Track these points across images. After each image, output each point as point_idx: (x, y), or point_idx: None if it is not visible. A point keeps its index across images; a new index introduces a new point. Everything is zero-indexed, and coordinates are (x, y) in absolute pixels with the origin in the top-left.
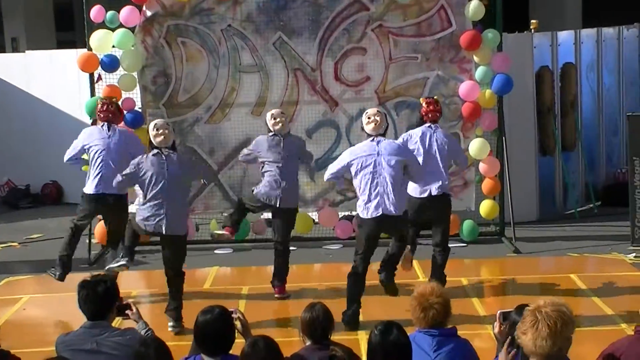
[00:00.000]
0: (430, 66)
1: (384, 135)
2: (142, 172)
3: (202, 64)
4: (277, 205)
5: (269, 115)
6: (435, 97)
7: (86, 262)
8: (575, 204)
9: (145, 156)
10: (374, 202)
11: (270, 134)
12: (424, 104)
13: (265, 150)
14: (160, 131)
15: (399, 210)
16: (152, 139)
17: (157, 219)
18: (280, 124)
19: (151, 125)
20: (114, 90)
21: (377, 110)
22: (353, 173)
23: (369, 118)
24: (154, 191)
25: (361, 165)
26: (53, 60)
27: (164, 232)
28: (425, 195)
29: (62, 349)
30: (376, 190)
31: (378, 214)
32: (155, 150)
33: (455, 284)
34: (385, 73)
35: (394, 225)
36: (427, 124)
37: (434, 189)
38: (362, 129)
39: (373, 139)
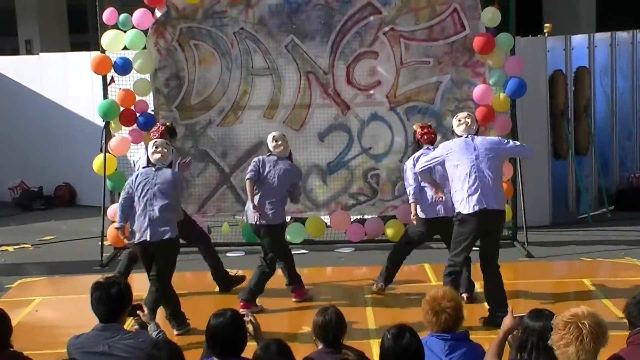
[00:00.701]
0: (443, 70)
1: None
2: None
3: (215, 67)
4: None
5: (270, 136)
6: (429, 124)
7: (98, 264)
8: (588, 209)
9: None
10: (475, 196)
11: (268, 154)
12: (418, 129)
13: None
14: (159, 149)
15: (499, 205)
16: (149, 155)
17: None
18: (281, 147)
19: (150, 144)
20: (128, 94)
21: (468, 114)
22: (450, 169)
23: (459, 120)
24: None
25: (458, 160)
26: (66, 63)
27: (148, 239)
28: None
29: (73, 351)
30: (475, 185)
31: (480, 208)
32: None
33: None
34: (396, 77)
35: (495, 220)
36: (425, 147)
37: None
38: (453, 132)
39: (467, 136)
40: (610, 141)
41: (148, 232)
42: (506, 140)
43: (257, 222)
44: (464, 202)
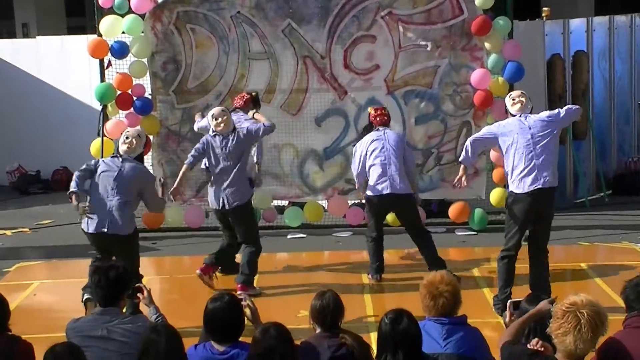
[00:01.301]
0: (441, 54)
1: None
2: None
3: (212, 51)
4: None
5: (209, 115)
6: (384, 107)
7: None
8: (586, 193)
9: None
10: (531, 176)
11: (212, 133)
12: (371, 112)
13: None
14: (129, 139)
15: (551, 183)
16: (120, 145)
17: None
18: (222, 124)
19: (124, 131)
20: (124, 77)
21: (522, 92)
22: (504, 148)
23: (513, 100)
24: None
25: (513, 140)
26: (63, 46)
27: (106, 231)
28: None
29: (72, 335)
30: (530, 165)
31: (536, 188)
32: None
33: (465, 272)
34: (395, 61)
35: (548, 198)
36: (376, 128)
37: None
38: (506, 111)
39: (520, 116)
40: (609, 126)
41: (107, 224)
42: (557, 111)
43: (222, 208)
44: (518, 182)
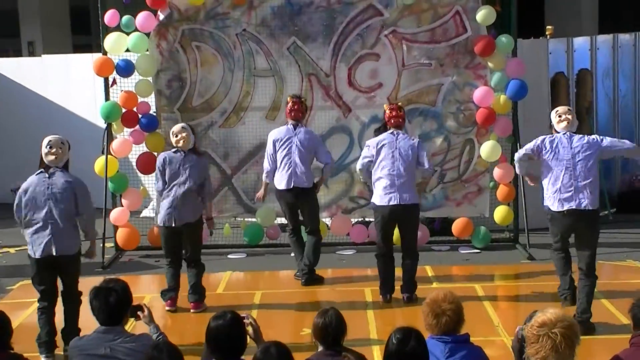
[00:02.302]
0: (444, 72)
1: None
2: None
3: (217, 68)
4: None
5: (171, 132)
6: (399, 103)
7: (100, 266)
8: None
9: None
10: (567, 195)
11: (173, 149)
12: (387, 110)
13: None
14: (54, 149)
15: (592, 204)
16: (43, 156)
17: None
18: (182, 141)
19: (45, 141)
20: (130, 95)
21: (568, 109)
22: (545, 163)
23: (559, 117)
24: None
25: (554, 157)
26: (69, 64)
27: (54, 253)
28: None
29: (76, 354)
30: (568, 184)
31: (571, 208)
32: (39, 170)
33: (469, 290)
34: (398, 79)
35: (586, 219)
36: (390, 130)
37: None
38: (551, 126)
39: (566, 133)
40: None
41: (53, 247)
42: (602, 138)
43: (175, 224)
44: (554, 200)
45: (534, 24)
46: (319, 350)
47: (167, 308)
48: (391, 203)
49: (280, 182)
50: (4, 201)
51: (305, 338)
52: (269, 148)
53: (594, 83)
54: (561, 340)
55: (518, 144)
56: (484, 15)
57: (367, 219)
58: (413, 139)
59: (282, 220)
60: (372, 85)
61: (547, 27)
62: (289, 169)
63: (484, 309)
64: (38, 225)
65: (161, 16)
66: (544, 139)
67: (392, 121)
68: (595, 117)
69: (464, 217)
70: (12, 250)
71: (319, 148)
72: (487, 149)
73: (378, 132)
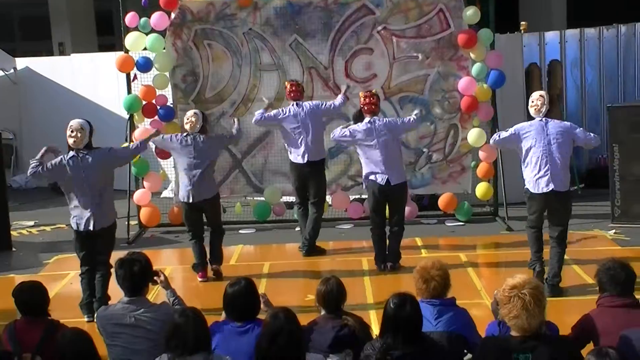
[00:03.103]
0: (430, 64)
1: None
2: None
3: (227, 64)
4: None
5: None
6: (374, 90)
7: (125, 241)
8: None
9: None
10: (545, 178)
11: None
12: (361, 97)
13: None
14: (74, 133)
15: (565, 186)
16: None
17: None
18: (189, 124)
19: (68, 125)
20: (149, 89)
21: (540, 95)
22: (524, 148)
23: (531, 102)
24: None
25: (532, 142)
26: (95, 62)
27: (91, 229)
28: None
29: (104, 322)
30: (546, 167)
31: (549, 190)
32: (71, 153)
33: (454, 258)
34: (390, 71)
35: (561, 199)
36: (367, 120)
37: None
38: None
39: (541, 120)
40: (581, 126)
41: (91, 223)
42: (576, 127)
43: (194, 201)
44: (533, 182)
45: (509, 20)
46: (322, 314)
47: (200, 279)
48: (382, 183)
49: (296, 156)
50: (40, 185)
51: (309, 303)
52: (277, 112)
53: (563, 73)
54: (530, 299)
55: (497, 128)
56: (470, 15)
57: (363, 197)
58: (389, 118)
59: (287, 198)
60: (367, 76)
61: (522, 22)
62: (304, 143)
63: (468, 275)
64: (77, 203)
65: (172, 16)
66: (519, 130)
67: (366, 108)
68: (565, 103)
69: (448, 193)
70: (47, 228)
71: (323, 104)
72: (474, 135)
73: (356, 118)
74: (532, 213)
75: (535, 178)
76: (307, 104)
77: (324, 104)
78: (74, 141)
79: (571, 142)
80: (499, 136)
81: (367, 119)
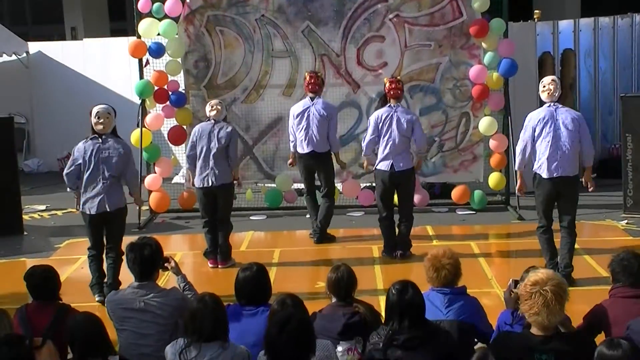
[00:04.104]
0: (442, 52)
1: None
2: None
3: (239, 50)
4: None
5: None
6: (398, 77)
7: (136, 226)
8: None
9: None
10: (554, 164)
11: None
12: (387, 83)
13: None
14: (101, 120)
15: (573, 171)
16: (93, 125)
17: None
18: (214, 111)
19: (93, 111)
20: (161, 75)
21: (552, 79)
22: (536, 134)
23: (543, 86)
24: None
25: (541, 127)
26: (107, 47)
27: (107, 209)
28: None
29: (114, 307)
30: (556, 153)
31: (557, 175)
32: (92, 136)
33: (465, 247)
34: (401, 59)
35: (569, 184)
36: (389, 104)
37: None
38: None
39: (550, 105)
40: (594, 116)
41: (106, 205)
42: (585, 123)
43: (211, 185)
44: (543, 167)
45: (522, 9)
46: (333, 301)
47: (211, 265)
48: (385, 169)
49: (300, 147)
50: (51, 169)
51: (319, 290)
52: (290, 121)
53: (577, 62)
54: (552, 297)
55: (509, 117)
56: (479, 2)
57: (374, 184)
58: (410, 115)
59: (298, 185)
60: (378, 64)
61: (535, 11)
62: (307, 135)
63: (479, 264)
64: (93, 185)
65: (189, 3)
66: (533, 127)
67: (392, 92)
68: (578, 93)
69: (461, 184)
70: (59, 212)
71: (332, 119)
72: (485, 123)
73: (380, 103)
74: (541, 201)
75: (544, 163)
76: (319, 106)
77: (331, 123)
78: (102, 127)
79: (577, 133)
80: (520, 153)
81: (389, 104)
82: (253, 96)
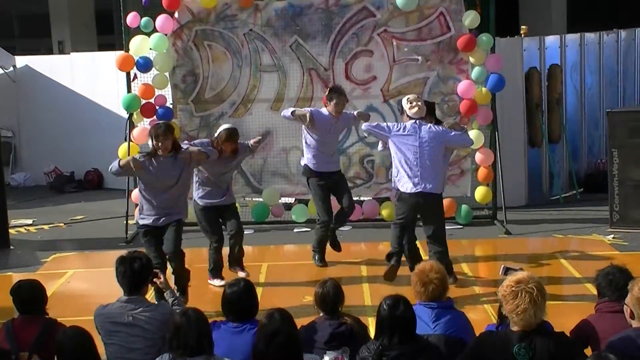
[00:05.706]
0: (430, 67)
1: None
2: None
3: (227, 64)
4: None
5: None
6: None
7: (123, 240)
8: (560, 191)
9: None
10: (415, 179)
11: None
12: (407, 103)
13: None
14: (161, 138)
15: (437, 189)
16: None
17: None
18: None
19: (151, 131)
20: (148, 88)
21: (417, 97)
22: (395, 148)
23: (411, 103)
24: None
25: (405, 143)
26: (95, 61)
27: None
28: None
29: (102, 320)
30: (417, 169)
31: (417, 191)
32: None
33: (453, 262)
34: (389, 73)
35: (432, 201)
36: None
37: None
38: (402, 112)
39: (416, 121)
40: (580, 131)
41: (162, 219)
42: (449, 132)
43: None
44: (405, 182)
45: (509, 24)
46: (320, 315)
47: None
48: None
49: (320, 166)
50: (38, 183)
51: (307, 304)
52: (310, 109)
53: (563, 77)
54: (537, 293)
55: (497, 132)
56: (470, 19)
57: (362, 198)
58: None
59: (285, 200)
60: (366, 78)
61: (522, 26)
62: (330, 155)
63: (467, 279)
64: (156, 204)
65: (177, 16)
66: (391, 125)
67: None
68: (564, 108)
69: (448, 197)
70: (46, 227)
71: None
72: (472, 137)
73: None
74: (402, 213)
75: (404, 178)
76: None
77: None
78: (165, 149)
79: (444, 146)
80: (375, 124)
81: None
82: (241, 110)
